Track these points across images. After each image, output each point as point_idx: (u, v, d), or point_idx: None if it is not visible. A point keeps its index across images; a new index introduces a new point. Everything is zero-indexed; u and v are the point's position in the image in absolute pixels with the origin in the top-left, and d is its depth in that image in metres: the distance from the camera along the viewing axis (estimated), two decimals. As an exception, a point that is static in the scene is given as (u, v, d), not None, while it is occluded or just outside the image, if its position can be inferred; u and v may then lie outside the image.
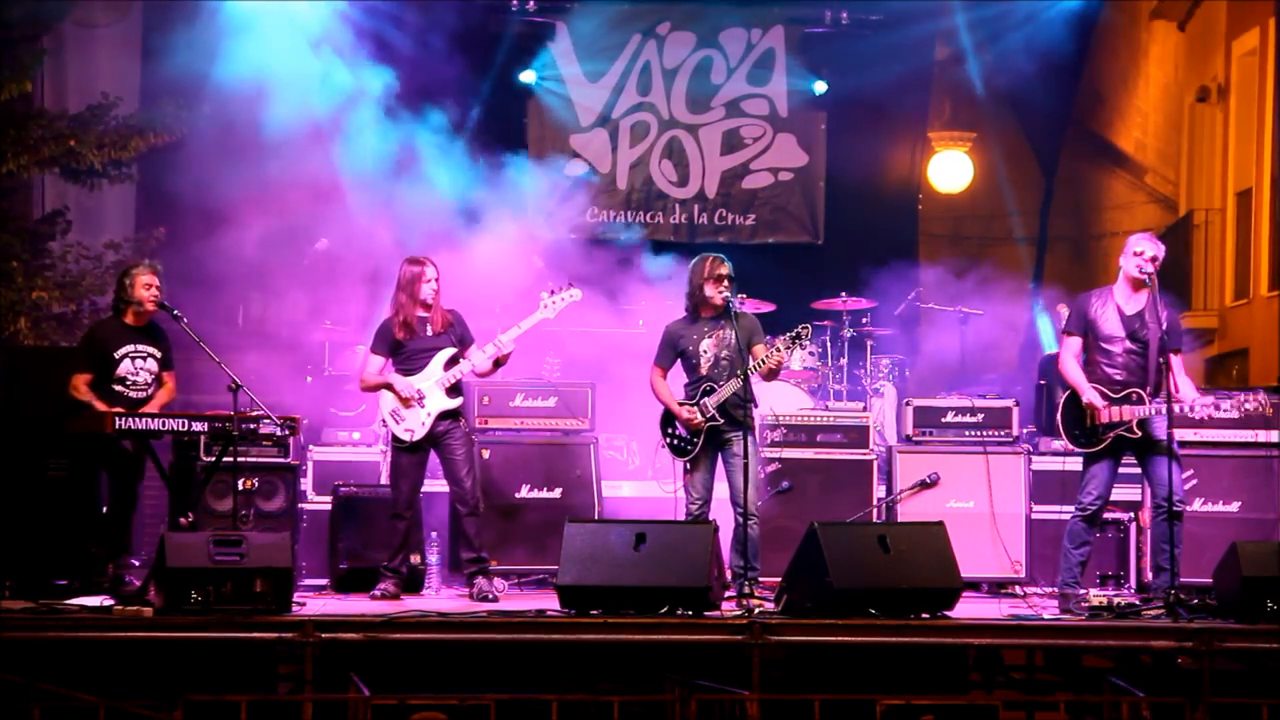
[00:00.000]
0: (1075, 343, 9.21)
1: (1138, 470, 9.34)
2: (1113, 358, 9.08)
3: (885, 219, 15.66)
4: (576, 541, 8.60)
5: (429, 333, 9.70)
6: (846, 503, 10.46)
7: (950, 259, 14.55)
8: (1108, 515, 10.32)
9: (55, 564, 9.29)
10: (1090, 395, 9.02)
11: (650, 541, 8.55)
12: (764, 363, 9.28)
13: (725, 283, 9.43)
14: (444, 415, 9.61)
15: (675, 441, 9.53)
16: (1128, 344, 9.05)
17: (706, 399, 9.40)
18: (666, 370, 9.65)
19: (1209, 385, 14.80)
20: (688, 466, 9.54)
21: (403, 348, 9.69)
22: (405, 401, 9.57)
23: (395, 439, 9.69)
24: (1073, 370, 9.16)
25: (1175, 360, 9.08)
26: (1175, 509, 8.89)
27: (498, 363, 9.65)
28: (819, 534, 8.51)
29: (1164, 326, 9.01)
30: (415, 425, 9.59)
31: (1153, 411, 8.95)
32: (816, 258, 15.44)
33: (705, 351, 9.49)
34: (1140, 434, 8.99)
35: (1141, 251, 9.03)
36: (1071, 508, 9.26)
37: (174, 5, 12.62)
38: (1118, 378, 9.07)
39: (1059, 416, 9.20)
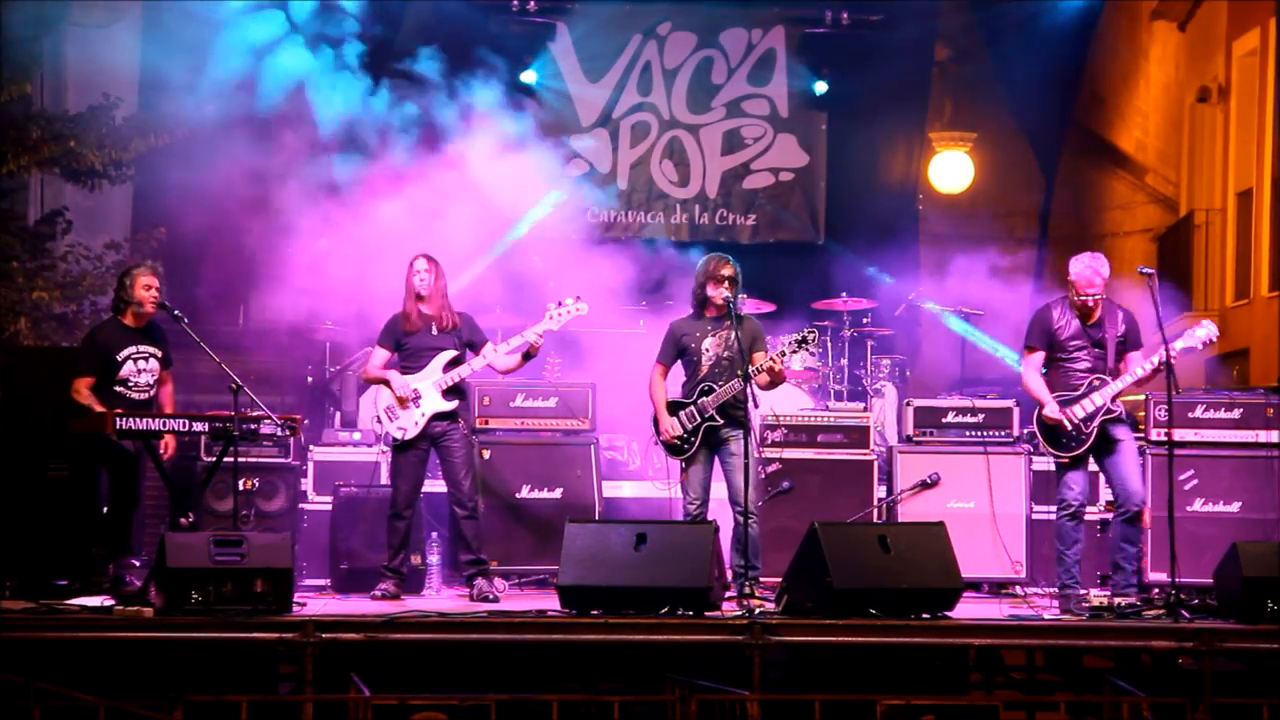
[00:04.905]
0: (1038, 357, 9.40)
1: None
2: (1076, 360, 9.29)
3: (885, 219, 15.65)
4: (577, 542, 8.61)
5: (433, 331, 9.72)
6: (847, 503, 10.46)
7: (950, 259, 14.51)
8: (1109, 515, 10.35)
9: (56, 564, 9.28)
10: (1051, 409, 9.20)
11: (651, 542, 8.56)
12: (761, 369, 9.27)
13: (726, 284, 9.44)
14: (440, 416, 9.62)
15: (668, 440, 9.53)
16: (1091, 349, 9.27)
17: (705, 399, 9.40)
18: (668, 368, 9.66)
19: (1209, 385, 14.78)
20: (683, 465, 9.55)
21: (405, 343, 9.72)
22: (401, 401, 9.59)
23: (390, 437, 9.72)
24: (1036, 384, 9.35)
25: (1134, 355, 9.28)
26: (1135, 509, 9.17)
27: (527, 356, 9.66)
28: (819, 534, 8.51)
29: (1122, 329, 9.27)
30: (408, 424, 9.60)
31: (1120, 388, 9.17)
32: (817, 258, 15.43)
33: (707, 350, 9.51)
34: (1114, 411, 9.17)
35: (1091, 286, 9.21)
36: (1069, 509, 9.36)
37: (173, 5, 12.63)
38: (1080, 379, 9.24)
39: (1038, 433, 9.33)
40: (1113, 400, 9.18)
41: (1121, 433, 9.25)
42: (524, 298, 12.21)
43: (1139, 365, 9.17)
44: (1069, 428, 9.16)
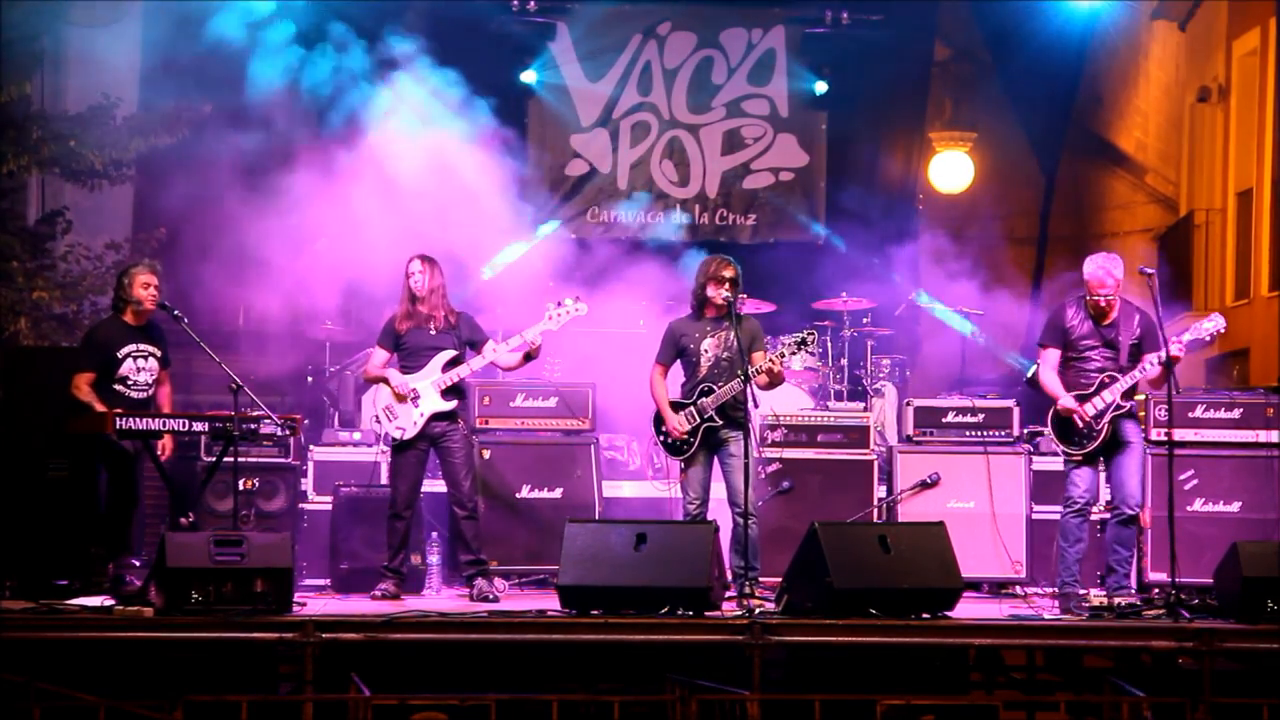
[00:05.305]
0: (1054, 355, 9.37)
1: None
2: (1087, 360, 9.28)
3: (885, 219, 15.65)
4: (577, 541, 8.61)
5: (431, 330, 9.72)
6: (847, 503, 10.46)
7: (950, 259, 14.52)
8: (1109, 515, 10.35)
9: (56, 564, 9.28)
10: (1066, 401, 9.18)
11: (650, 542, 8.56)
12: (760, 370, 9.27)
13: (727, 285, 9.44)
14: (439, 416, 9.62)
15: (670, 440, 9.53)
16: (1104, 350, 9.25)
17: (705, 399, 9.40)
18: (668, 368, 9.66)
19: (1209, 385, 14.79)
20: (683, 465, 9.55)
21: (403, 343, 9.73)
22: (400, 398, 9.60)
23: (389, 437, 9.73)
24: (1050, 380, 9.32)
25: (1150, 356, 9.20)
26: (1129, 513, 9.14)
27: (528, 356, 9.67)
28: (819, 534, 8.51)
29: (1138, 332, 9.23)
30: (407, 424, 9.61)
31: (1130, 384, 9.13)
32: (817, 258, 15.42)
33: (706, 351, 9.50)
34: (1124, 407, 9.15)
35: (1103, 286, 9.18)
36: (1070, 508, 9.34)
37: (174, 5, 12.62)
38: (1090, 379, 9.23)
39: (1049, 431, 9.33)
40: (1123, 397, 9.16)
41: (1131, 433, 9.23)
42: (523, 298, 12.20)
43: (1148, 362, 9.15)
44: (1081, 425, 9.15)
